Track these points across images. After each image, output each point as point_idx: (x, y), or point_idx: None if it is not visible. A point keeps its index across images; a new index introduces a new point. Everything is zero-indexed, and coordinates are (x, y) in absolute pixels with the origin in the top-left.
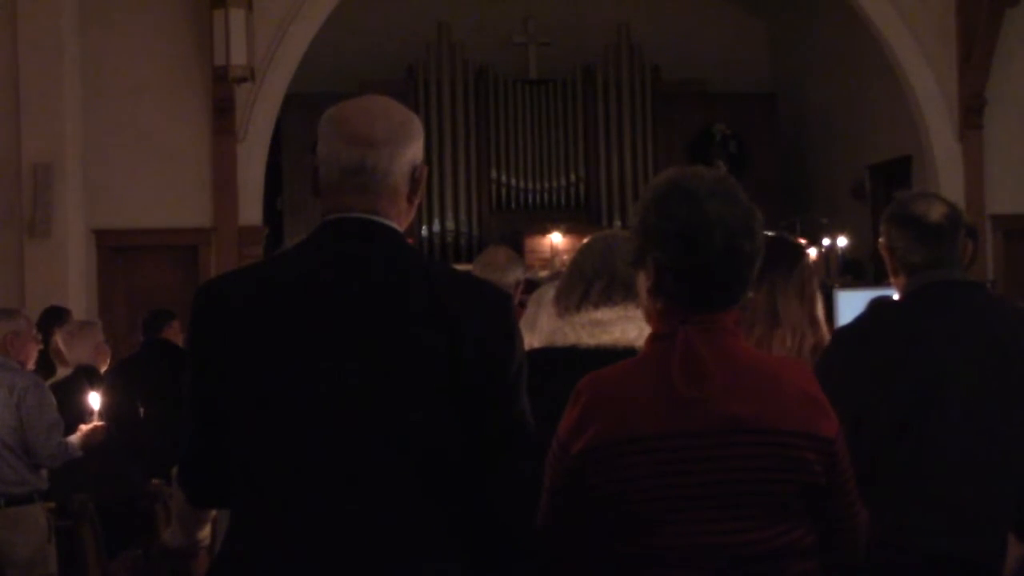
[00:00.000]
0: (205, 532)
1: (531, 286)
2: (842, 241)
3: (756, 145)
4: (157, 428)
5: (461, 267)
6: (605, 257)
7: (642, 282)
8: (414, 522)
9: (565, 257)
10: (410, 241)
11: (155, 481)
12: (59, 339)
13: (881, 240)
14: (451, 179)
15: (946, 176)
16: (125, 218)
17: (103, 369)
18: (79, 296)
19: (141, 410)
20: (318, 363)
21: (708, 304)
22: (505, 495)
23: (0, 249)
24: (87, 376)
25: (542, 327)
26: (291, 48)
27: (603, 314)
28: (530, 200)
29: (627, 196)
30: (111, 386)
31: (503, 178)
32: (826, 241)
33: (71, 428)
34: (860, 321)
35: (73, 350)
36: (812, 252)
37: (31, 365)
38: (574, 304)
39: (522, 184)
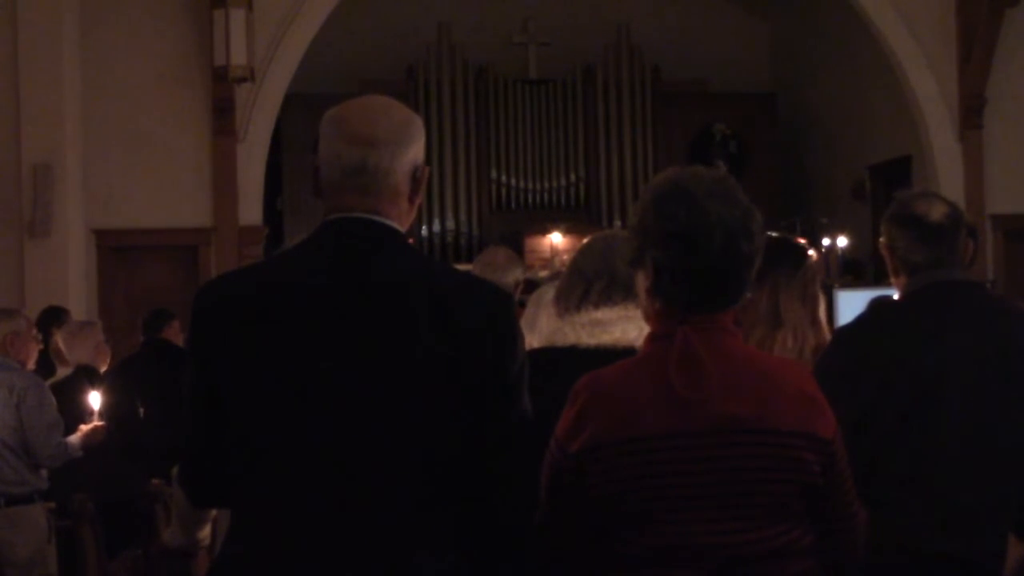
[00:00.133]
0: (205, 532)
1: (531, 286)
2: (842, 241)
3: (756, 145)
4: (157, 428)
5: (461, 267)
6: (605, 257)
7: (641, 282)
8: (414, 522)
9: (565, 257)
10: (410, 241)
11: (155, 481)
12: (59, 339)
13: (882, 240)
14: (451, 179)
15: (946, 176)
16: (125, 218)
17: (103, 369)
18: (79, 296)
19: (141, 410)
20: (318, 363)
21: (707, 304)
22: (506, 494)
23: (0, 249)
24: (87, 376)
25: (542, 327)
26: (291, 48)
27: (603, 314)
28: (530, 200)
29: (627, 196)
30: (111, 386)
31: (503, 178)
32: (826, 241)
33: (71, 428)
34: (860, 321)
35: (73, 350)
36: (812, 252)
37: (31, 365)
38: (574, 304)
39: (522, 184)
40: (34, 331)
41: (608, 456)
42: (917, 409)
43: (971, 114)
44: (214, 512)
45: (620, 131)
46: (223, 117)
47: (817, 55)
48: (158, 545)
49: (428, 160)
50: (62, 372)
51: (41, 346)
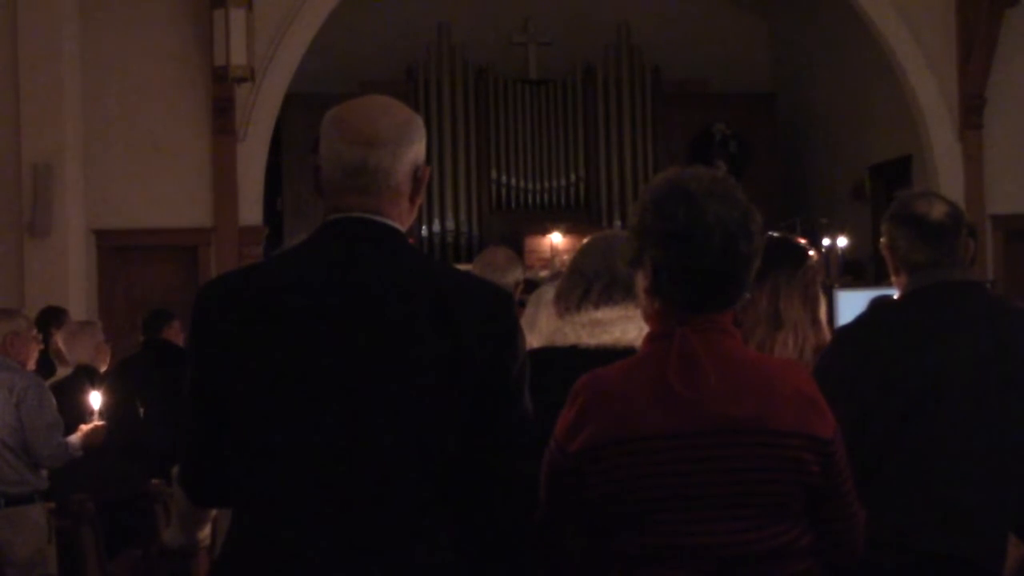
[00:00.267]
0: (205, 532)
1: (531, 286)
2: (842, 241)
3: (756, 145)
4: (157, 428)
5: (461, 267)
6: (605, 257)
7: (640, 282)
8: (414, 521)
9: (565, 257)
10: (410, 241)
11: (155, 481)
12: (59, 339)
13: (883, 240)
14: (451, 179)
15: (946, 176)
16: (125, 218)
17: (103, 369)
18: (79, 296)
19: (141, 410)
20: (319, 363)
21: (705, 305)
22: (506, 494)
23: (0, 249)
24: (87, 376)
25: (541, 327)
26: (291, 48)
27: (603, 314)
28: (530, 200)
29: (627, 196)
30: (111, 386)
31: (503, 178)
32: (826, 241)
33: (71, 428)
34: (861, 320)
35: (73, 350)
36: (812, 252)
37: (31, 365)
38: (574, 304)
39: (522, 184)
40: (34, 331)
41: (607, 456)
42: (917, 409)
43: (971, 114)
44: (214, 512)
45: (620, 131)
46: (223, 117)
47: (817, 55)
48: (158, 545)
49: (428, 160)
50: (62, 372)
51: (41, 346)
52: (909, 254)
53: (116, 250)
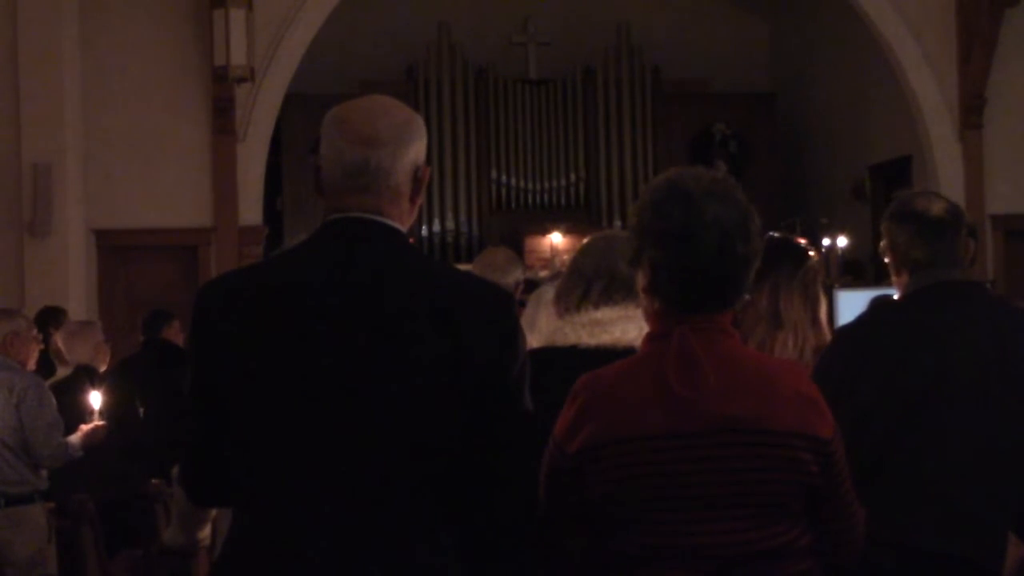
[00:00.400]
0: (205, 532)
1: (531, 286)
2: (842, 241)
3: (756, 145)
4: (157, 428)
5: (461, 267)
6: (605, 257)
7: (640, 281)
8: (415, 520)
9: (565, 257)
10: (410, 241)
11: (155, 481)
12: (59, 339)
13: (883, 243)
14: (451, 179)
15: (946, 176)
16: (125, 218)
17: (103, 369)
18: (79, 296)
19: (141, 410)
20: (319, 362)
21: (704, 305)
22: (506, 493)
23: (0, 249)
24: (87, 376)
25: (541, 327)
26: (291, 48)
27: (603, 314)
28: (530, 200)
29: (627, 196)
30: (111, 386)
31: (503, 178)
32: (826, 241)
33: (71, 428)
34: (861, 320)
35: (73, 350)
36: (812, 252)
37: (31, 365)
38: (574, 304)
39: (522, 184)
40: (34, 331)
41: (606, 456)
42: (917, 409)
43: (971, 114)
44: (214, 512)
45: (620, 131)
46: (223, 117)
47: (817, 55)
48: (158, 545)
49: (428, 160)
50: (62, 372)
51: (41, 346)
52: (909, 250)
53: (116, 250)
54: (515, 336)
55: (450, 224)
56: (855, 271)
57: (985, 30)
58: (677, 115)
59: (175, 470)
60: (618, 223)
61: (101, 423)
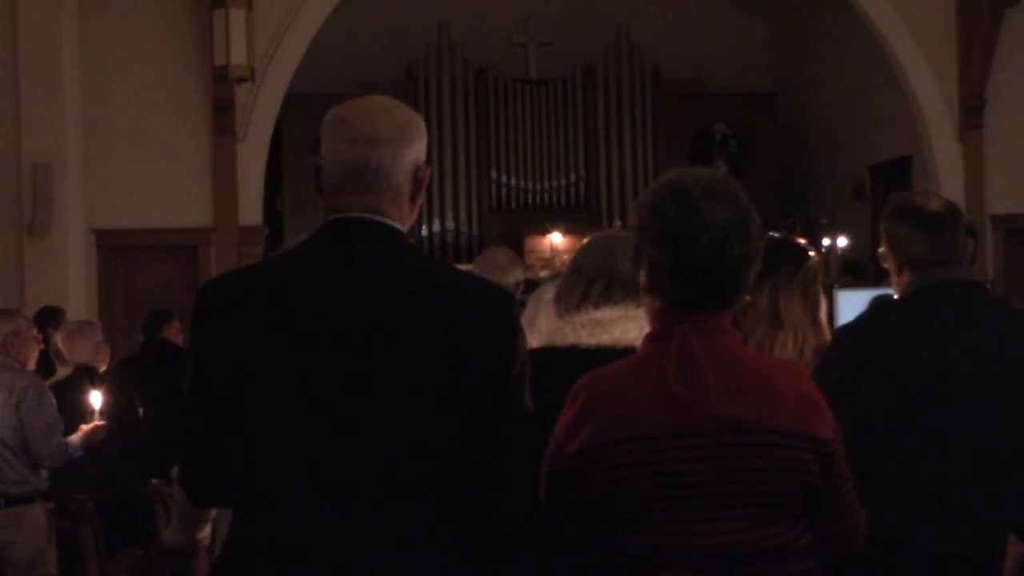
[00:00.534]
0: (205, 532)
1: (531, 286)
2: (842, 241)
3: (756, 145)
4: (157, 428)
5: (461, 267)
6: (605, 257)
7: (641, 280)
8: (415, 520)
9: (565, 257)
10: (410, 241)
11: (155, 481)
12: (59, 339)
13: (882, 247)
14: (451, 179)
15: (946, 176)
16: (125, 218)
17: (103, 369)
18: (79, 296)
19: (141, 410)
20: (319, 362)
21: (703, 305)
22: (506, 493)
23: (0, 249)
24: (87, 376)
25: (541, 327)
26: (291, 48)
27: (603, 314)
28: (530, 200)
29: (627, 196)
30: (111, 386)
31: (503, 178)
32: (826, 241)
33: (71, 428)
34: (861, 320)
35: (73, 350)
36: (812, 253)
37: (31, 365)
38: (574, 304)
39: (522, 184)
40: (34, 331)
41: (606, 456)
42: (917, 409)
43: (971, 114)
44: (214, 512)
45: (620, 131)
46: (223, 117)
47: (817, 55)
48: (158, 545)
49: (428, 160)
50: (62, 372)
51: (41, 346)
52: (909, 246)
53: (116, 250)
54: (515, 336)
55: (450, 224)
56: (855, 271)
57: (985, 30)
58: (677, 115)
59: (175, 470)
60: (618, 223)
61: (101, 423)
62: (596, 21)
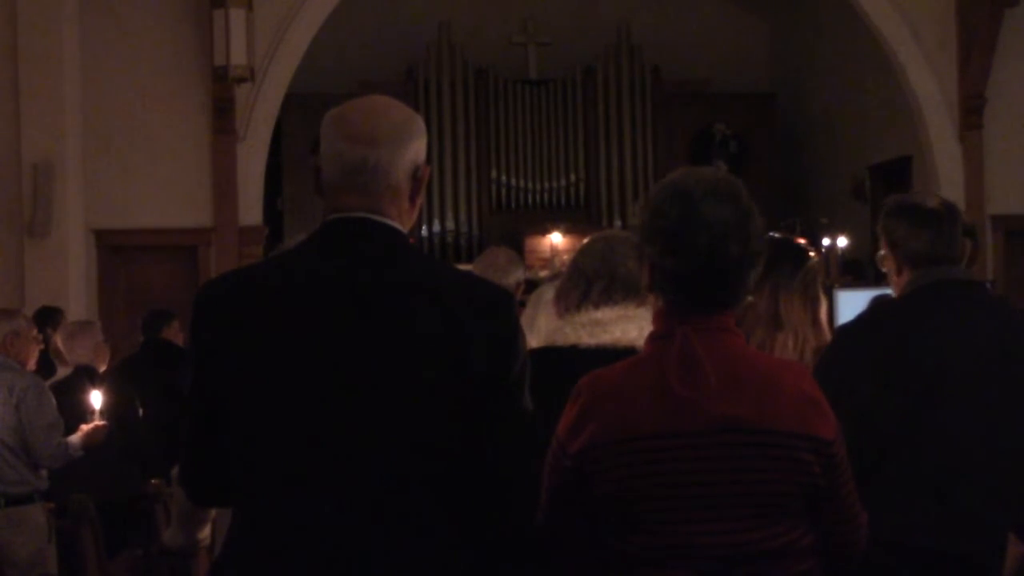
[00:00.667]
0: (205, 532)
1: (531, 286)
2: (842, 241)
3: (756, 145)
4: (157, 428)
5: (461, 267)
6: (605, 257)
7: (644, 279)
8: (415, 522)
9: (565, 257)
10: (411, 241)
11: (155, 481)
12: (59, 339)
13: (881, 251)
14: (451, 179)
15: (946, 176)
16: (125, 218)
17: (103, 369)
18: (79, 296)
19: (141, 410)
20: (319, 362)
21: (703, 304)
22: (507, 493)
23: (0, 249)
24: (87, 376)
25: (540, 327)
26: (291, 48)
27: (603, 314)
28: (530, 200)
29: (627, 196)
30: (111, 386)
31: (503, 178)
32: (826, 241)
33: (71, 428)
34: (861, 319)
35: (73, 350)
36: (812, 253)
37: (31, 365)
38: (574, 304)
39: (522, 184)
40: (34, 331)
41: (608, 456)
42: (917, 409)
43: (971, 114)
44: (214, 512)
45: (620, 131)
46: (223, 117)
47: (817, 55)
48: (158, 545)
49: (428, 160)
50: (62, 372)
51: (42, 346)
52: (908, 242)
53: (116, 250)
54: (515, 336)
55: (450, 224)
56: (855, 271)
57: (985, 30)
58: (677, 115)
59: (175, 470)
60: (618, 223)
61: (101, 423)
62: (596, 21)
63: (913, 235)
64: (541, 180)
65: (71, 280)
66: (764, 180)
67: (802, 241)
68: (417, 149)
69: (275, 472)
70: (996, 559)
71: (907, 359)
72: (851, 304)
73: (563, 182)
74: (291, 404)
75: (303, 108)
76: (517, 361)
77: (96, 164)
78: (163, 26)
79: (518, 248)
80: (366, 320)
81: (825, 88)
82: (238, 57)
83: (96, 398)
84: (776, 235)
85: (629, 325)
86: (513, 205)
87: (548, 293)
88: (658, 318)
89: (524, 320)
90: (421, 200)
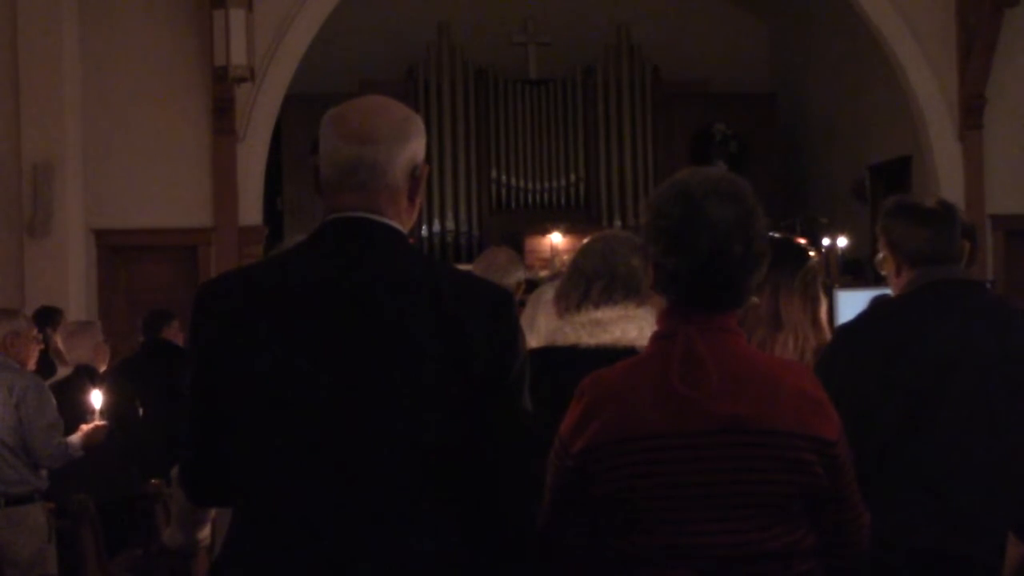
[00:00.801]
0: (205, 532)
1: (531, 286)
2: (842, 241)
3: (756, 145)
4: (157, 428)
5: (461, 267)
6: (605, 257)
7: (647, 279)
8: (416, 522)
9: (565, 257)
10: (410, 241)
11: (155, 481)
12: (59, 339)
13: (880, 254)
14: (451, 179)
15: (946, 176)
16: (125, 218)
17: (103, 369)
18: (79, 296)
19: (141, 410)
20: (318, 362)
21: (706, 304)
22: (507, 492)
23: (0, 249)
24: (87, 376)
25: (540, 327)
26: (291, 48)
27: (603, 314)
28: (530, 200)
29: (627, 196)
30: (111, 386)
31: (503, 178)
32: (826, 241)
33: (71, 428)
34: (861, 319)
35: (73, 350)
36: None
37: (31, 365)
38: (574, 304)
39: (522, 184)
40: (34, 331)
41: (610, 455)
42: (918, 407)
43: (971, 114)
44: (214, 512)
45: (620, 131)
46: (223, 117)
47: (817, 55)
48: (158, 545)
49: (428, 160)
50: (62, 372)
51: (42, 346)
52: (908, 241)
53: (116, 250)
54: (515, 336)
55: (450, 224)
56: (855, 271)
57: (985, 30)
58: (677, 115)
59: (175, 470)
60: (618, 223)
61: (101, 423)
62: (596, 21)
63: (912, 235)
64: (541, 180)
65: (71, 280)
66: (764, 180)
67: (802, 241)
68: (415, 148)
69: (275, 472)
70: (996, 559)
71: (907, 359)
72: (851, 304)
73: (563, 182)
74: (291, 404)
75: (303, 108)
76: (517, 361)
77: (96, 164)
78: (163, 26)
79: (518, 248)
80: (365, 320)
81: (825, 88)
82: (238, 57)
83: (96, 398)
84: (776, 235)
85: (629, 325)
86: (513, 205)
87: (548, 293)
88: (661, 318)
89: (524, 320)
90: (421, 200)
